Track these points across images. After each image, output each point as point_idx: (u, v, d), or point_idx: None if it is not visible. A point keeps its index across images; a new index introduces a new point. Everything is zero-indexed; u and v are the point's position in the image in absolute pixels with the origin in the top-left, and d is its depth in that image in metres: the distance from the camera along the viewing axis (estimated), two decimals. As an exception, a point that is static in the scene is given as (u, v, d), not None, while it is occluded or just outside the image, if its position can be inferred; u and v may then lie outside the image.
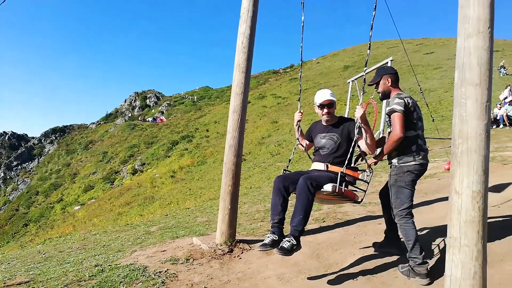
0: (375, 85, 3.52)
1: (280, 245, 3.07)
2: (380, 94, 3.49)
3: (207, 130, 39.97)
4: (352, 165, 3.50)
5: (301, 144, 3.90)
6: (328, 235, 4.47)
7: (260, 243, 3.23)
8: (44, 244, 6.70)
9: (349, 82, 14.10)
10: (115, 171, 39.37)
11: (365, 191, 3.49)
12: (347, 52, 64.38)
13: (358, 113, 3.17)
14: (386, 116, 3.28)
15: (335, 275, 3.35)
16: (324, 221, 5.12)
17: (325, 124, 3.63)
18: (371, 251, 3.84)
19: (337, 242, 4.20)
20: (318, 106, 3.59)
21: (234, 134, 4.27)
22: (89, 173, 41.93)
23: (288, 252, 3.04)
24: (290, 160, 3.95)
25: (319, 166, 3.52)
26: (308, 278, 3.33)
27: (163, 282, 3.31)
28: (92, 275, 3.59)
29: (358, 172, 3.48)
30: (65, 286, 3.37)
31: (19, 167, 55.70)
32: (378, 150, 3.42)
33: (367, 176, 3.54)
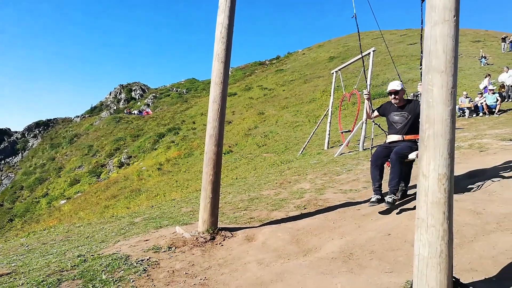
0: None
1: (386, 200, 4.35)
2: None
3: (194, 122, 39.84)
4: None
5: (369, 113, 5.18)
6: (309, 221, 4.57)
7: (369, 201, 4.46)
8: (28, 237, 6.67)
9: (333, 73, 14.24)
10: (101, 164, 39.04)
11: None
12: (332, 43, 64.50)
13: (420, 88, 4.50)
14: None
15: (313, 258, 3.44)
16: (305, 208, 5.22)
17: (396, 105, 4.75)
18: (349, 235, 3.94)
19: (317, 227, 4.30)
20: (388, 93, 4.80)
21: (215, 124, 4.31)
22: (75, 167, 41.48)
23: (392, 204, 4.35)
24: (372, 138, 5.70)
25: (396, 137, 4.68)
26: (287, 263, 3.42)
27: (144, 270, 3.37)
28: (75, 265, 3.62)
29: None
30: (47, 276, 3.39)
31: (3, 162, 54.76)
32: None
33: None
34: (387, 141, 4.82)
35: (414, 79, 24.65)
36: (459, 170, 5.65)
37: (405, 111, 4.67)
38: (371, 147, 5.35)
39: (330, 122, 13.52)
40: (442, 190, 2.28)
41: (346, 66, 13.74)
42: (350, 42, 57.89)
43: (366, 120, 10.94)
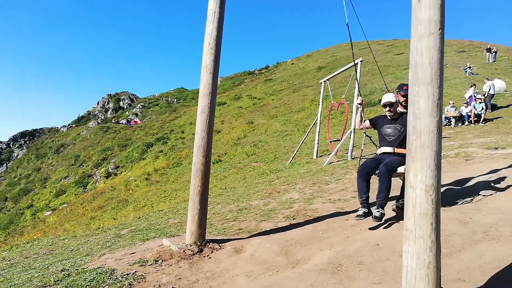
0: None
1: (373, 214, 4.20)
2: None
3: (183, 132, 39.71)
4: None
5: (359, 123, 5.03)
6: (298, 232, 4.54)
7: (355, 215, 4.34)
8: (10, 250, 6.48)
9: (321, 83, 14.35)
10: (88, 174, 38.55)
11: None
12: (320, 53, 65.22)
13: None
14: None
15: (302, 270, 3.41)
16: (294, 219, 5.19)
17: (389, 118, 4.75)
18: (338, 246, 3.93)
19: (306, 238, 4.27)
20: (382, 105, 4.77)
21: (203, 134, 4.28)
22: (61, 178, 40.87)
23: (379, 219, 4.18)
24: (362, 149, 5.15)
25: (387, 149, 4.63)
26: (275, 275, 3.38)
27: (130, 284, 3.29)
28: (58, 280, 3.52)
29: None
30: (29, 292, 3.29)
31: (-14, 172, 53.67)
32: None
33: None
34: (378, 152, 4.76)
35: (401, 88, 25.00)
36: (446, 179, 5.70)
37: (398, 124, 4.64)
38: (360, 158, 5.01)
39: (319, 131, 13.58)
40: (429, 201, 2.28)
41: (334, 76, 13.87)
42: (338, 52, 58.62)
43: (354, 129, 11.02)
